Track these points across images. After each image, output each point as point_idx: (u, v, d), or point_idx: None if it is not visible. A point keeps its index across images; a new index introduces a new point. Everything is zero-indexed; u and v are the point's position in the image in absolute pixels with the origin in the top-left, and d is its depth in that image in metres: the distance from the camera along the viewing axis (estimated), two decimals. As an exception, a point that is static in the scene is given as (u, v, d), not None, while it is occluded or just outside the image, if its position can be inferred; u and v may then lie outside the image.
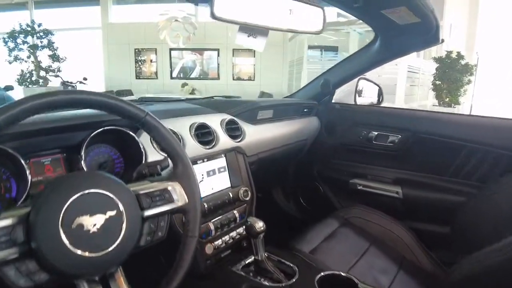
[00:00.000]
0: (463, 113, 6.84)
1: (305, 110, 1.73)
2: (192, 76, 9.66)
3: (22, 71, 7.53)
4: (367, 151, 1.70)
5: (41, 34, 7.60)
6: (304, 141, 1.73)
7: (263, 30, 0.86)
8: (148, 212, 0.68)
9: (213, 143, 1.17)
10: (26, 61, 7.60)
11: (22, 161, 0.77)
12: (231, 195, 1.17)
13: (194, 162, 1.10)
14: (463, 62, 6.81)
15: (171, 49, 9.24)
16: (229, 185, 1.21)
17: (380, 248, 1.36)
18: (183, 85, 7.85)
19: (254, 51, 8.98)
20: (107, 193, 0.60)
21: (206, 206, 1.07)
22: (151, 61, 9.75)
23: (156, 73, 9.77)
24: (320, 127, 1.83)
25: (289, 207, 2.07)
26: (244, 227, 1.18)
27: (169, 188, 0.72)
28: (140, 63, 9.68)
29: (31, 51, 7.53)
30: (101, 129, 0.90)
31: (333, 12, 9.15)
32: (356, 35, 7.58)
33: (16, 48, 7.47)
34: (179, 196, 0.72)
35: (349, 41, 7.60)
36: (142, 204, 0.67)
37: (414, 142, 1.57)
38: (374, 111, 1.77)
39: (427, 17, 1.10)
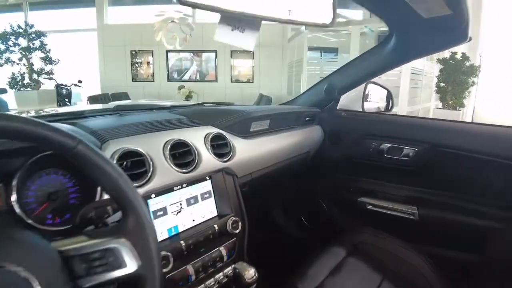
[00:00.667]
0: (475, 120, 6.66)
1: (306, 118, 1.52)
2: (187, 75, 9.45)
3: (13, 73, 7.31)
4: (378, 165, 1.49)
5: (33, 35, 7.37)
6: (306, 154, 1.51)
7: (253, 20, 0.63)
8: (83, 284, 0.47)
9: (194, 165, 0.95)
10: (18, 64, 7.38)
11: None
12: (216, 228, 0.95)
13: (169, 189, 0.89)
14: (468, 63, 6.60)
15: (168, 51, 9.04)
16: (215, 213, 0.99)
17: (394, 283, 1.14)
18: (180, 87, 7.62)
19: (253, 52, 8.81)
20: (16, 269, 0.41)
21: (184, 244, 0.86)
22: (148, 63, 9.55)
23: (153, 75, 9.56)
24: (324, 138, 1.61)
25: (290, 227, 1.85)
26: (233, 266, 0.97)
27: (114, 247, 0.51)
28: (137, 65, 9.48)
29: (23, 53, 7.31)
30: (41, 154, 0.69)
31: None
32: (358, 35, 7.38)
33: (7, 50, 7.25)
34: (129, 259, 0.50)
35: (350, 43, 7.39)
36: (75, 272, 0.47)
37: (432, 156, 1.36)
38: (386, 120, 1.55)
39: (460, 8, 0.88)
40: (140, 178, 0.82)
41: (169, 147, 0.90)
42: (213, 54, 9.21)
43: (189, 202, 0.93)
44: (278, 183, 1.63)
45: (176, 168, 0.90)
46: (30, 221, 0.68)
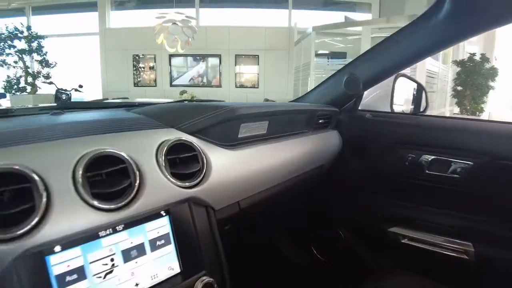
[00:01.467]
0: None
1: (320, 121, 1.13)
2: (188, 79, 9.10)
3: (9, 77, 7.02)
4: (416, 184, 1.11)
5: (30, 38, 7.11)
6: (319, 169, 1.13)
7: None
8: None
9: (131, 196, 0.56)
10: (14, 67, 7.10)
11: None
12: None
13: (89, 236, 0.51)
14: (487, 65, 6.16)
15: (170, 55, 8.74)
16: (176, 270, 0.61)
17: None
18: (182, 92, 7.24)
19: (258, 56, 8.48)
20: None
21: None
22: (150, 68, 9.27)
23: (155, 80, 9.27)
24: (343, 147, 1.22)
25: (299, 260, 1.45)
26: None
27: None
28: (139, 69, 9.21)
29: (19, 55, 7.04)
30: None
31: (340, 18, 8.68)
32: (368, 40, 7.02)
33: (3, 53, 6.97)
34: None
35: (360, 47, 7.03)
36: None
37: (493, 172, 0.98)
38: (428, 123, 1.16)
39: None
40: (23, 219, 0.45)
41: (83, 165, 0.52)
42: (217, 59, 8.88)
43: (128, 255, 0.56)
44: (282, 209, 1.24)
45: (97, 203, 0.52)
46: None
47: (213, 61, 8.88)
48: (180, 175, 0.63)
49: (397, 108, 1.29)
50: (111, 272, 0.53)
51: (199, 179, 0.66)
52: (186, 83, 9.06)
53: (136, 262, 0.57)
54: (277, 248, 1.42)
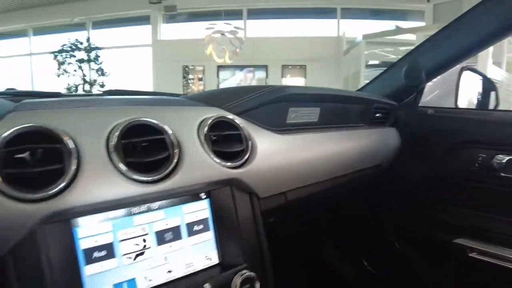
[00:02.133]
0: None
1: (376, 115, 1.02)
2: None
3: (68, 84, 7.61)
4: (488, 189, 0.96)
5: (89, 48, 7.68)
6: (376, 169, 1.02)
7: None
8: None
9: (169, 168, 0.50)
10: (73, 75, 7.69)
11: None
12: None
13: (124, 210, 0.47)
14: None
15: (219, 66, 8.93)
16: (215, 261, 0.55)
17: None
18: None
19: (305, 67, 8.41)
20: None
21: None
22: (199, 79, 9.52)
23: (203, 91, 9.50)
24: (401, 146, 1.10)
25: (345, 270, 1.32)
26: None
27: None
28: (188, 81, 9.51)
29: (79, 65, 7.61)
30: None
31: (391, 27, 8.39)
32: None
33: (64, 62, 7.59)
34: None
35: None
36: None
37: None
38: (502, 120, 1.01)
39: None
40: (51, 183, 0.41)
41: (118, 131, 0.47)
42: (264, 71, 8.92)
43: (162, 237, 0.50)
44: (327, 209, 1.13)
45: (132, 172, 0.47)
46: None
47: (260, 73, 8.94)
48: (222, 153, 0.57)
49: (463, 104, 1.16)
50: (142, 253, 0.48)
51: (243, 160, 0.59)
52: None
53: (171, 246, 0.51)
54: (322, 254, 1.32)
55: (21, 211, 0.39)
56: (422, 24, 8.32)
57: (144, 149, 0.49)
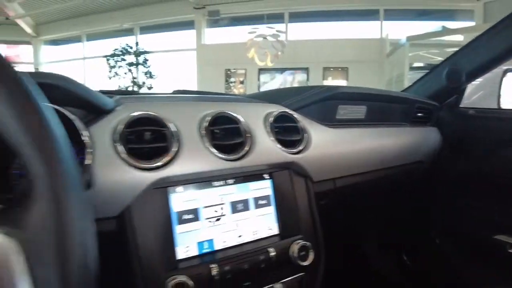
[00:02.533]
0: None
1: (418, 114, 1.09)
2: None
3: (119, 86, 8.09)
4: None
5: (138, 53, 8.11)
6: (417, 165, 1.08)
7: None
8: None
9: (244, 150, 0.63)
10: (124, 77, 8.16)
11: None
12: (274, 253, 0.61)
13: (207, 183, 0.58)
14: None
15: (260, 69, 9.06)
16: (275, 231, 0.65)
17: None
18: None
19: (347, 69, 8.33)
20: None
21: (217, 270, 0.55)
22: (240, 82, 9.72)
23: (245, 93, 9.67)
24: (442, 145, 1.15)
25: (385, 266, 1.38)
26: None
27: None
28: (230, 84, 9.74)
29: (129, 68, 8.06)
30: None
31: (437, 28, 8.10)
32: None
33: (116, 65, 8.08)
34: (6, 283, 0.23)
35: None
36: None
37: None
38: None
39: None
40: (158, 156, 0.54)
41: (207, 121, 0.61)
42: (305, 74, 8.93)
43: (235, 207, 0.62)
44: (373, 203, 1.21)
45: (216, 151, 0.59)
46: None
47: (300, 75, 8.96)
48: (283, 141, 0.68)
49: (506, 106, 1.18)
50: (219, 219, 0.60)
51: (300, 147, 0.70)
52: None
53: (241, 215, 0.62)
54: (362, 244, 1.38)
55: (138, 177, 0.52)
56: (471, 24, 7.97)
57: (225, 133, 0.62)
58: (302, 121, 0.74)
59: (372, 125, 0.93)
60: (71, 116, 0.49)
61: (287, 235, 0.65)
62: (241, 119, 0.64)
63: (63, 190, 0.23)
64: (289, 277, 0.64)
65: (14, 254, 0.23)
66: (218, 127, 0.61)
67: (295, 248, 0.63)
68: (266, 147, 0.65)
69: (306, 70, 8.76)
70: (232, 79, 9.65)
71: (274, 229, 0.66)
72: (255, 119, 0.68)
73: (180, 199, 0.56)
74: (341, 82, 8.55)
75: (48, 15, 9.71)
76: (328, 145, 0.77)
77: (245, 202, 0.63)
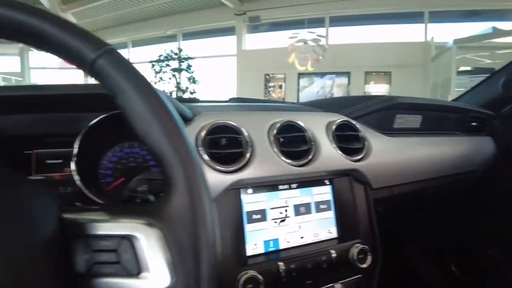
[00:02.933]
0: None
1: (472, 123, 1.08)
2: (314, 95, 9.19)
3: (164, 91, 8.41)
4: None
5: (181, 59, 8.39)
6: (471, 174, 1.07)
7: None
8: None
9: (309, 157, 0.67)
10: (168, 83, 8.47)
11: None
12: (334, 255, 0.65)
13: (272, 186, 0.64)
14: None
15: (299, 74, 9.06)
16: (334, 234, 0.69)
17: None
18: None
19: (390, 74, 8.13)
20: None
21: (284, 268, 0.59)
22: (279, 87, 9.76)
23: (283, 99, 9.70)
24: (496, 154, 1.13)
25: (433, 276, 1.37)
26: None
27: (134, 236, 0.30)
28: (269, 88, 9.81)
29: (173, 73, 8.35)
30: (115, 112, 0.61)
31: (486, 29, 7.69)
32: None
33: (161, 71, 8.40)
34: (151, 265, 0.29)
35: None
36: (74, 262, 0.30)
37: None
38: None
39: None
40: (234, 161, 0.60)
41: (275, 129, 0.66)
42: (345, 77, 8.81)
43: (298, 210, 0.66)
44: (424, 209, 1.21)
45: (284, 157, 0.64)
46: (92, 196, 0.56)
47: (341, 79, 8.85)
48: (345, 149, 0.72)
49: None
50: (283, 220, 0.65)
51: (361, 155, 0.74)
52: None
53: (303, 218, 0.67)
54: (411, 254, 1.38)
55: (219, 179, 0.58)
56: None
57: (290, 140, 0.67)
58: (363, 129, 0.78)
59: (427, 134, 0.95)
60: None
61: (346, 239, 0.69)
62: (305, 126, 0.69)
63: (198, 186, 0.29)
64: (347, 278, 0.67)
65: (156, 242, 0.28)
66: (285, 134, 0.66)
67: (354, 251, 0.67)
68: (329, 154, 0.69)
69: (347, 74, 8.64)
70: (270, 84, 9.72)
71: (333, 233, 0.69)
72: (318, 128, 0.72)
73: (250, 200, 0.62)
74: (383, 87, 8.36)
75: (98, 23, 10.30)
76: (386, 153, 0.80)
77: (307, 206, 0.67)
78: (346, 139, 0.74)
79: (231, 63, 10.26)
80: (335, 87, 8.89)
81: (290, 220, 0.65)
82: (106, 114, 0.60)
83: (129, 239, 0.29)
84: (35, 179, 0.62)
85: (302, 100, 9.10)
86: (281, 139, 0.66)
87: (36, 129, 0.64)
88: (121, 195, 0.45)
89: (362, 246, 0.67)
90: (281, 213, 0.64)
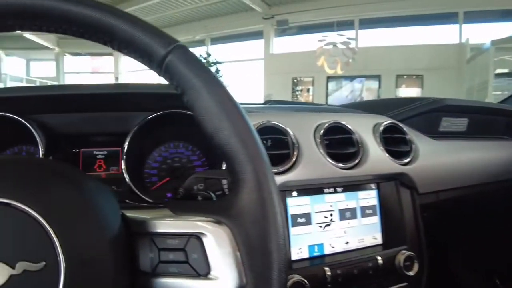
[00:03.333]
0: None
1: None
2: (343, 99, 9.02)
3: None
4: None
5: (210, 63, 8.50)
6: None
7: None
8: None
9: (357, 160, 0.66)
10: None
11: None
12: (380, 262, 0.63)
13: (317, 189, 0.62)
14: None
15: (328, 77, 8.95)
16: (379, 240, 0.67)
17: None
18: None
19: (422, 77, 7.89)
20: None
21: (329, 273, 0.58)
22: (307, 90, 9.70)
23: (312, 103, 9.60)
24: None
25: (472, 283, 1.30)
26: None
27: (203, 234, 0.30)
28: (297, 92, 9.76)
29: (202, 78, 8.55)
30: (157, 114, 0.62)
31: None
32: None
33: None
34: (224, 265, 0.29)
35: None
36: (137, 262, 0.30)
37: None
38: None
39: None
40: (280, 162, 0.60)
41: (322, 130, 0.65)
42: (375, 81, 8.61)
43: (343, 214, 0.65)
44: (468, 216, 1.15)
45: (331, 160, 0.63)
46: (140, 194, 0.58)
47: (371, 83, 8.66)
48: (392, 152, 0.70)
49: None
50: (328, 225, 0.63)
51: (409, 158, 0.71)
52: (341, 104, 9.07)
53: (348, 223, 0.65)
54: (452, 263, 1.32)
55: None
56: None
57: (337, 142, 0.65)
58: (409, 132, 0.75)
59: (473, 138, 0.91)
60: None
61: (391, 245, 0.67)
62: (352, 128, 0.68)
63: (268, 182, 0.29)
64: (393, 285, 0.65)
65: (225, 241, 0.28)
66: (331, 136, 0.65)
67: (401, 258, 0.64)
68: (376, 158, 0.67)
69: (377, 78, 8.45)
70: (298, 87, 9.67)
71: (378, 238, 0.67)
72: (364, 129, 0.70)
73: (295, 203, 0.61)
74: (415, 91, 8.12)
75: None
76: (433, 157, 0.77)
77: (352, 211, 0.65)
78: (393, 142, 0.72)
79: (259, 67, 10.31)
80: (365, 90, 8.73)
81: (335, 225, 0.64)
82: (155, 114, 0.61)
83: (197, 237, 0.29)
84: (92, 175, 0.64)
85: (330, 103, 8.96)
86: (327, 141, 0.65)
87: (83, 128, 0.66)
88: (176, 194, 0.45)
89: (408, 253, 0.65)
90: (326, 217, 0.63)
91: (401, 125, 0.75)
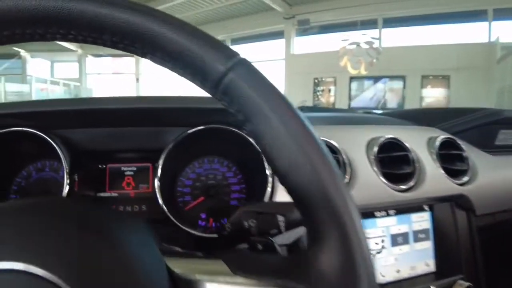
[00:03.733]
0: None
1: None
2: (366, 100, 8.83)
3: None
4: None
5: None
6: None
7: None
8: None
9: (414, 181, 0.59)
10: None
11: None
12: None
13: (369, 213, 0.57)
14: None
15: (351, 78, 8.77)
16: (431, 268, 0.61)
17: None
18: (359, 114, 7.24)
19: (449, 77, 7.62)
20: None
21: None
22: (329, 90, 9.54)
23: (333, 104, 9.45)
24: None
25: None
26: None
27: None
28: (318, 93, 9.63)
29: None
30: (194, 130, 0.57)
31: None
32: None
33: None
34: None
35: None
36: None
37: None
38: None
39: None
40: None
41: (376, 147, 0.59)
42: (399, 81, 8.37)
43: (395, 240, 0.59)
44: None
45: (386, 181, 0.57)
46: (173, 219, 0.54)
47: (395, 83, 8.42)
48: (449, 170, 0.63)
49: None
50: (379, 252, 0.58)
51: (467, 177, 0.65)
52: (364, 105, 8.88)
53: (400, 249, 0.59)
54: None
55: None
56: None
57: (391, 160, 0.59)
58: (466, 147, 0.69)
59: None
60: None
61: (446, 273, 0.61)
62: (409, 146, 0.62)
63: (360, 242, 0.22)
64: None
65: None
66: (386, 154, 0.59)
67: (457, 290, 0.58)
68: (433, 178, 0.61)
69: (402, 78, 8.21)
70: (319, 88, 9.54)
71: (431, 266, 0.62)
72: (418, 144, 0.65)
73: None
74: (441, 92, 7.86)
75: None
76: (492, 175, 0.70)
77: (404, 235, 0.60)
78: (449, 159, 0.65)
79: (280, 67, 10.22)
80: (388, 91, 8.51)
81: (386, 252, 0.58)
82: (194, 129, 0.57)
83: None
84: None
85: (353, 104, 8.84)
86: (385, 160, 0.59)
87: (110, 143, 0.62)
88: (220, 229, 0.40)
89: (467, 284, 0.59)
90: (377, 243, 0.58)
91: (459, 140, 0.68)
